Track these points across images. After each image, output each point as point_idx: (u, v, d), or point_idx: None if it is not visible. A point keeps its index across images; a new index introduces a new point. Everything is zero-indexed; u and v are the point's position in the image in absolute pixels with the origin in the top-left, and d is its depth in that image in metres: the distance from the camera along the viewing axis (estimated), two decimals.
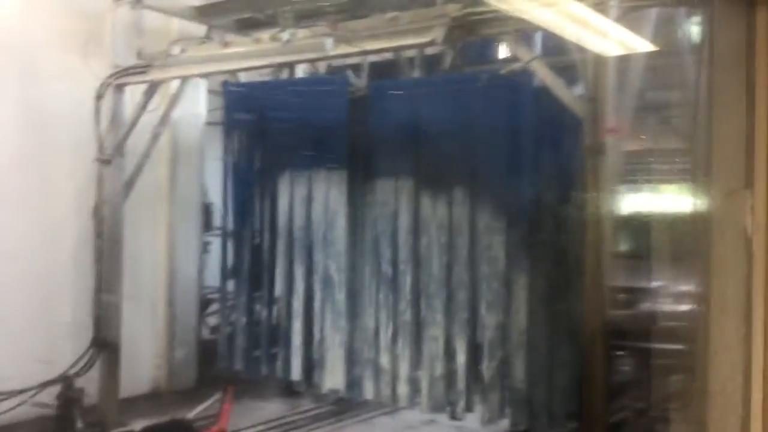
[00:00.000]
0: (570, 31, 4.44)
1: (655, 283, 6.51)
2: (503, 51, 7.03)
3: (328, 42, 5.28)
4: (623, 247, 5.21)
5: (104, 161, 7.24)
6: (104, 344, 7.37)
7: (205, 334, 9.27)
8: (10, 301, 6.93)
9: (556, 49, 6.31)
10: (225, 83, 7.57)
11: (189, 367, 8.72)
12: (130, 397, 7.83)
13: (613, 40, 4.57)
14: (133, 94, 7.31)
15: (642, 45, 4.71)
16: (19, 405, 6.68)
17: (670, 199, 7.02)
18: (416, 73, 7.00)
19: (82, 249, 7.41)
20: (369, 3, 5.97)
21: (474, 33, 5.23)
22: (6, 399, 6.62)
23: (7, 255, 6.90)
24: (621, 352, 5.66)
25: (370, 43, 5.41)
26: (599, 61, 4.84)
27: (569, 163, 5.71)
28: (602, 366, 5.08)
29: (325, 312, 6.97)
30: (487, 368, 6.20)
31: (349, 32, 5.42)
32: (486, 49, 7.16)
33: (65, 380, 7.11)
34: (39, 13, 7.14)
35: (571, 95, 5.14)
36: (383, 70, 7.31)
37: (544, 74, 5.20)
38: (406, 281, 6.53)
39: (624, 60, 5.00)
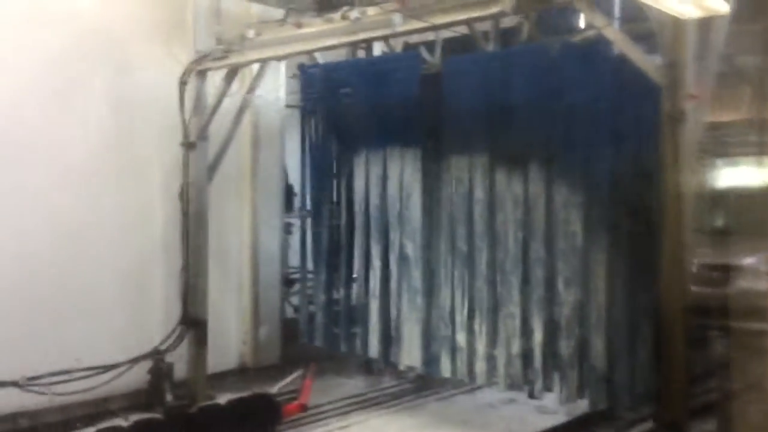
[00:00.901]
0: None
1: (739, 260, 6.22)
2: (582, 20, 6.80)
3: (397, 18, 5.27)
4: (707, 221, 4.97)
5: (189, 145, 7.48)
6: (192, 321, 7.64)
7: (289, 312, 9.53)
8: (104, 279, 7.30)
9: (632, 15, 6.13)
10: (301, 65, 7.68)
11: (273, 344, 8.96)
12: (218, 373, 8.12)
13: (691, 1, 4.36)
14: (215, 79, 7.52)
15: (722, 6, 4.47)
16: (113, 379, 7.04)
17: (755, 173, 6.66)
18: (491, 47, 6.89)
19: (171, 230, 7.71)
20: None
21: (545, 1, 5.09)
22: (101, 373, 6.98)
23: (100, 236, 7.27)
24: (703, 333, 5.42)
25: (439, 17, 5.35)
26: (677, 24, 4.63)
27: (649, 133, 5.49)
28: (682, 346, 4.88)
29: (401, 290, 7.00)
30: (565, 347, 6.07)
31: (417, 7, 5.38)
32: (565, 18, 6.93)
33: (156, 355, 7.46)
34: (122, 2, 7.44)
35: (648, 61, 4.93)
36: (458, 46, 7.23)
37: (620, 41, 5.02)
38: (482, 258, 6.46)
39: (705, 23, 4.75)
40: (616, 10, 5.83)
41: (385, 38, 6.45)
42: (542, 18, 6.85)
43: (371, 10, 5.66)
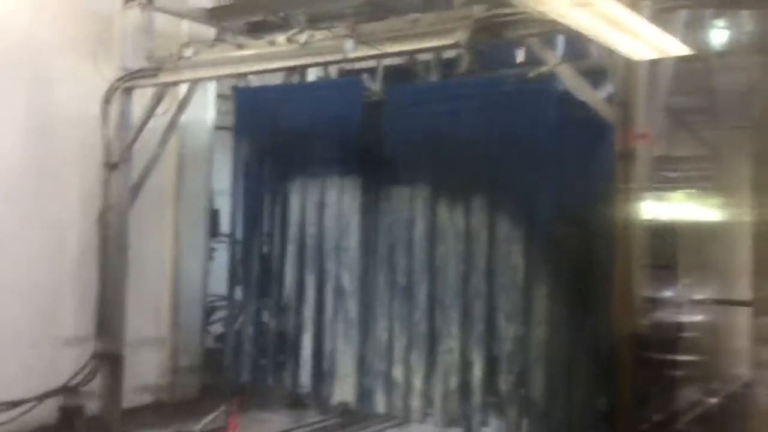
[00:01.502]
0: (601, 34, 4.28)
1: (679, 293, 6.39)
2: (521, 55, 6.86)
3: (349, 44, 5.12)
4: (653, 255, 5.05)
5: (111, 165, 7.07)
6: (107, 355, 7.19)
7: (209, 342, 9.12)
8: (12, 309, 6.76)
9: (576, 52, 6.21)
10: (235, 87, 7.42)
11: (193, 377, 8.54)
12: (133, 407, 7.65)
13: (645, 42, 4.41)
14: (142, 97, 7.15)
15: (674, 48, 4.55)
16: (20, 416, 6.50)
17: (694, 207, 6.90)
18: (432, 77, 6.84)
19: (87, 256, 7.24)
20: (387, 5, 5.83)
21: (499, 35, 5.07)
22: (7, 410, 6.44)
23: (12, 260, 6.73)
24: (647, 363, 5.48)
25: (392, 45, 5.25)
26: (629, 64, 4.69)
27: (594, 169, 5.55)
28: (630, 377, 4.91)
29: (336, 322, 6.78)
30: (504, 382, 6.00)
31: (368, 34, 5.26)
32: (502, 52, 6.98)
33: (67, 391, 6.95)
34: (47, 15, 7.02)
35: (600, 100, 4.98)
36: (397, 74, 7.14)
37: (571, 78, 5.05)
38: (421, 291, 6.34)
39: (654, 64, 4.84)
40: (560, 47, 5.86)
41: (335, 63, 6.28)
42: (481, 51, 6.86)
43: (319, 35, 5.50)
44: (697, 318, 7.13)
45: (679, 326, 6.64)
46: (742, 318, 7.52)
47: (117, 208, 7.19)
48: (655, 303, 6.28)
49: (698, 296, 7.10)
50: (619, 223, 4.79)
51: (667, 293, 6.90)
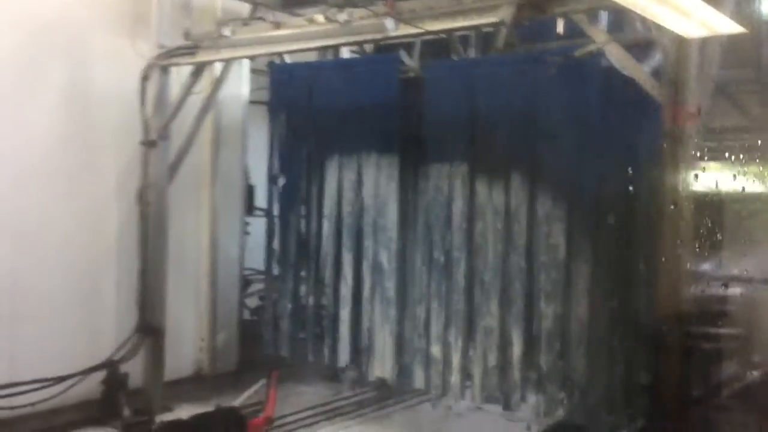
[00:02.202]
0: (651, 11, 4.16)
1: (724, 267, 6.31)
2: (560, 27, 6.72)
3: (390, 23, 5.04)
4: (695, 229, 4.95)
5: (149, 143, 7.10)
6: (149, 329, 7.30)
7: (245, 315, 9.22)
8: (56, 285, 6.87)
9: (618, 24, 6.07)
10: (271, 63, 7.37)
11: (231, 350, 8.64)
12: (173, 380, 7.79)
13: (695, 20, 4.29)
14: (179, 75, 7.15)
15: (725, 26, 4.41)
16: (64, 391, 6.64)
17: (740, 178, 6.77)
18: (471, 52, 6.73)
19: (126, 232, 7.31)
20: None
21: (544, 11, 4.96)
22: (51, 385, 6.57)
23: (52, 238, 6.82)
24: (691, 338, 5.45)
25: (433, 23, 5.16)
26: (680, 42, 4.56)
27: (639, 147, 5.46)
28: (675, 352, 4.87)
29: (374, 300, 6.80)
30: (543, 359, 6.00)
31: (409, 12, 5.17)
32: (541, 25, 6.84)
33: (110, 365, 7.07)
34: None
35: (649, 77, 4.86)
36: (435, 49, 7.05)
37: (620, 57, 4.93)
38: (460, 269, 6.32)
39: (703, 40, 4.71)
40: (603, 21, 5.72)
41: (375, 42, 6.21)
42: (520, 25, 6.73)
43: (358, 13, 5.42)
44: (741, 292, 7.03)
45: (723, 301, 6.56)
46: None
47: (155, 185, 7.25)
48: (699, 277, 6.21)
49: (742, 271, 6.99)
50: (666, 200, 4.70)
51: (712, 268, 6.81)
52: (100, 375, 7.04)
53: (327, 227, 7.09)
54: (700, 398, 5.92)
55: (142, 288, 7.30)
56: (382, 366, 6.79)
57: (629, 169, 5.57)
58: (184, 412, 6.95)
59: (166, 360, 7.49)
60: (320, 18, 5.61)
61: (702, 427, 5.57)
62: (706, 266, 6.48)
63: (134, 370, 7.27)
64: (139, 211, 7.24)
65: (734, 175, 6.63)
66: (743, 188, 7.14)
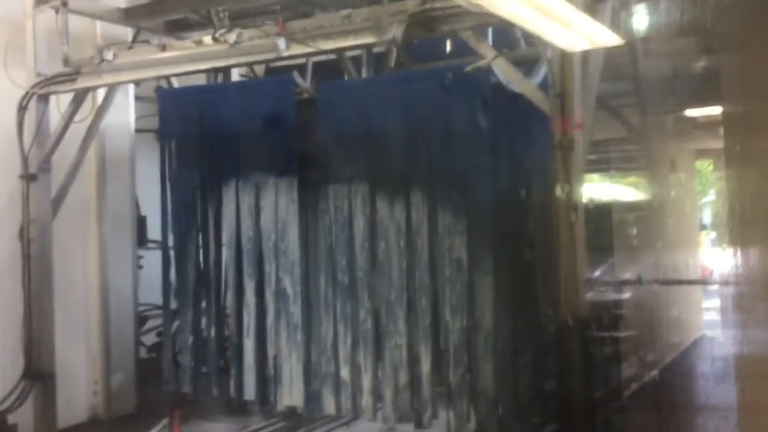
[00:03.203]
0: (535, 25, 4.30)
1: (614, 272, 6.57)
2: (449, 45, 6.88)
3: (282, 42, 4.98)
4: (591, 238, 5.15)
5: (30, 177, 6.70)
6: (37, 375, 6.85)
7: (142, 353, 8.81)
8: None
9: (504, 41, 6.26)
10: (159, 89, 7.13)
11: (128, 391, 8.23)
12: (67, 428, 7.34)
13: (578, 32, 4.46)
14: (59, 104, 6.80)
15: (606, 38, 4.63)
16: None
17: (624, 187, 7.11)
18: (364, 73, 6.76)
19: (8, 273, 6.86)
20: (314, 1, 5.71)
21: (433, 30, 5.04)
22: None
23: None
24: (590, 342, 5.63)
25: (325, 42, 5.13)
26: (564, 55, 4.74)
27: (529, 158, 5.61)
28: (577, 357, 5.01)
29: (279, 326, 6.64)
30: (452, 373, 6.03)
31: (300, 32, 5.13)
32: (431, 44, 6.96)
33: None
34: None
35: (536, 90, 5.02)
36: (327, 70, 7.04)
37: (507, 70, 5.06)
38: (365, 289, 6.28)
39: (586, 53, 4.91)
40: (489, 37, 5.89)
41: (267, 62, 6.11)
42: (410, 44, 6.83)
43: (248, 33, 5.32)
44: (632, 295, 7.35)
45: (617, 304, 6.82)
46: (671, 293, 7.82)
47: (38, 221, 6.84)
48: (593, 283, 6.44)
49: (632, 274, 7.32)
50: (560, 208, 4.85)
51: (603, 273, 7.09)
52: None
53: (226, 255, 6.88)
54: (602, 400, 6.12)
55: (28, 332, 6.84)
56: (290, 394, 6.63)
57: (523, 179, 5.71)
58: None
59: (58, 407, 7.04)
60: (208, 40, 5.47)
61: (606, 428, 5.74)
62: (600, 272, 6.74)
63: (24, 420, 6.80)
64: (22, 249, 6.80)
65: (616, 183, 6.95)
66: (626, 196, 7.51)
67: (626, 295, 6.92)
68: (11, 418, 6.68)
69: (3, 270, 6.92)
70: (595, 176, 7.03)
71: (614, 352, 6.24)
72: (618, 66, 6.23)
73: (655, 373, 7.05)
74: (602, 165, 7.19)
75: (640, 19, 6.36)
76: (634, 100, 7.01)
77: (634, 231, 7.27)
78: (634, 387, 6.77)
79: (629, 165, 7.83)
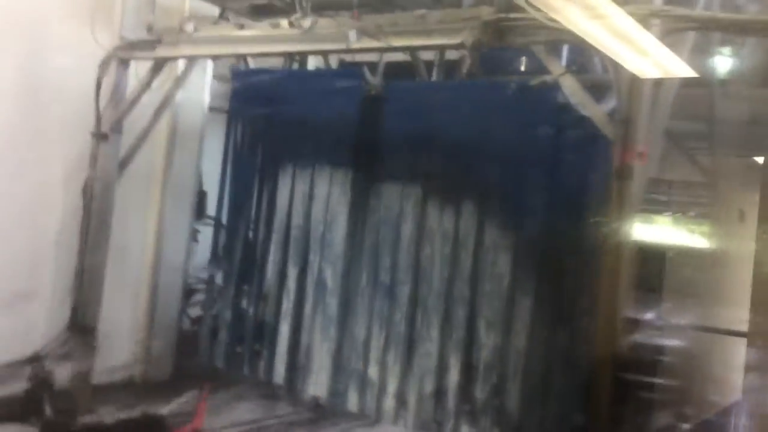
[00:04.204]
0: (610, 47, 4.20)
1: (662, 316, 6.35)
2: (524, 63, 6.79)
3: (352, 33, 5.02)
4: (636, 276, 4.98)
5: (101, 136, 6.93)
6: (81, 328, 7.06)
7: (186, 325, 9.00)
8: None
9: (579, 64, 6.14)
10: (234, 68, 7.29)
11: (166, 359, 8.39)
12: (104, 384, 7.51)
13: (652, 60, 4.34)
14: (138, 70, 7.02)
15: (680, 69, 4.48)
16: None
17: (683, 233, 6.87)
18: (434, 77, 6.75)
19: (69, 226, 7.10)
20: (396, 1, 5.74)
21: (504, 40, 4.98)
22: None
23: None
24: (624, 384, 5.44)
25: (396, 39, 5.15)
26: (635, 81, 4.61)
27: (587, 184, 5.48)
28: (607, 396, 4.85)
29: (315, 316, 6.70)
30: (480, 390, 5.94)
31: (373, 26, 5.16)
32: (506, 59, 6.89)
33: (36, 360, 6.82)
34: None
35: (602, 115, 4.90)
36: (398, 72, 7.05)
37: (573, 90, 4.97)
38: (404, 292, 6.26)
39: (658, 84, 4.77)
40: (564, 57, 5.79)
41: (337, 52, 6.18)
42: (484, 55, 6.78)
43: (323, 22, 5.39)
44: (678, 343, 7.09)
45: (659, 349, 6.59)
46: (722, 346, 7.50)
47: (103, 179, 7.06)
48: (637, 324, 6.24)
49: (681, 321, 7.05)
50: (609, 240, 4.71)
51: (650, 316, 6.86)
52: (28, 370, 6.77)
53: (274, 239, 6.98)
54: None
55: (78, 286, 7.07)
56: (316, 384, 6.69)
57: (578, 205, 5.58)
58: (109, 416, 6.71)
59: (97, 363, 7.22)
60: (284, 24, 5.56)
61: None
62: (645, 313, 6.52)
63: (63, 371, 7.02)
64: (83, 204, 7.04)
65: (679, 227, 6.72)
66: (688, 240, 7.24)
67: (671, 341, 6.68)
68: (50, 365, 6.89)
69: (64, 223, 7.16)
70: (656, 215, 6.81)
71: (648, 398, 6.02)
72: (693, 105, 6.03)
73: (687, 427, 6.77)
74: (666, 205, 6.96)
75: (722, 61, 6.14)
76: (706, 142, 6.78)
77: (691, 277, 7.00)
78: None
79: (695, 209, 7.55)
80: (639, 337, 6.23)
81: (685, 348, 7.24)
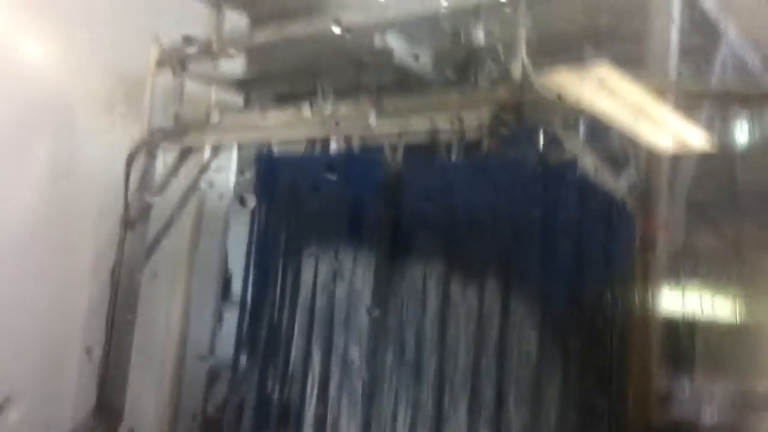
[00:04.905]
0: (626, 122, 4.29)
1: (696, 392, 6.18)
2: (541, 137, 6.89)
3: (372, 116, 5.17)
4: (667, 350, 4.91)
5: (129, 223, 7.10)
6: (107, 411, 7.06)
7: (211, 409, 8.91)
8: (17, 361, 6.66)
9: (596, 137, 6.22)
10: (259, 154, 7.47)
11: None
12: None
13: (670, 134, 4.41)
14: (164, 157, 7.24)
15: (699, 142, 4.54)
16: None
17: (712, 303, 6.75)
18: (453, 157, 6.85)
19: (97, 313, 7.19)
20: (411, 81, 5.91)
21: (522, 118, 5.09)
22: None
23: (18, 315, 6.67)
24: None
25: (415, 121, 5.29)
26: (653, 154, 4.67)
27: (611, 259, 5.46)
28: None
29: (341, 397, 6.61)
30: None
31: (393, 108, 5.31)
32: (524, 134, 7.00)
33: None
34: (79, 72, 7.16)
35: (622, 188, 4.94)
36: (417, 150, 7.18)
37: (594, 165, 5.03)
38: (431, 371, 6.18)
39: (678, 157, 4.82)
40: (581, 131, 5.87)
41: (358, 135, 6.34)
42: (503, 133, 6.90)
43: (343, 107, 5.56)
44: (713, 418, 6.88)
45: (695, 426, 6.40)
46: (760, 422, 7.25)
47: (130, 265, 7.19)
48: (671, 400, 6.09)
49: (715, 396, 6.86)
50: (636, 315, 4.68)
51: (684, 391, 6.69)
52: None
53: (299, 321, 6.97)
54: None
55: (104, 370, 7.10)
56: None
57: (602, 279, 5.56)
58: None
59: None
60: (306, 110, 5.74)
61: None
62: (678, 389, 6.37)
63: None
64: (111, 290, 7.14)
65: (708, 299, 6.62)
66: (718, 313, 7.11)
67: (706, 417, 6.49)
68: None
69: (92, 310, 7.26)
70: (684, 288, 6.73)
71: None
72: (716, 175, 6.06)
73: None
74: (693, 277, 6.87)
75: (743, 129, 6.19)
76: (731, 213, 6.75)
77: (722, 352, 6.86)
78: None
79: (724, 281, 7.45)
80: (673, 413, 6.07)
81: (721, 424, 7.01)
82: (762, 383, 7.26)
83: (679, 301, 5.89)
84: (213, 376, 8.99)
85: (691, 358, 6.18)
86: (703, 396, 6.47)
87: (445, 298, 6.23)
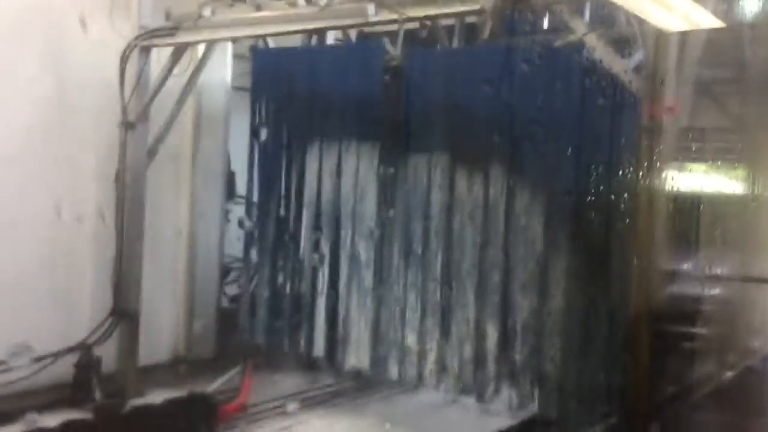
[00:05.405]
0: (633, 3, 4.14)
1: (699, 266, 6.33)
2: (546, 21, 6.68)
3: (371, 8, 5.00)
4: (671, 228, 4.97)
5: (128, 125, 7.01)
6: (123, 312, 7.22)
7: (225, 303, 9.15)
8: (30, 267, 6.77)
9: (603, 19, 6.03)
10: (254, 48, 7.30)
11: (208, 337, 8.56)
12: (148, 366, 7.68)
13: (677, 13, 4.27)
14: (159, 57, 7.06)
15: (706, 20, 4.40)
16: (36, 372, 6.56)
17: (717, 180, 6.79)
18: (454, 43, 6.69)
19: (104, 215, 7.22)
20: None
21: (525, 1, 4.92)
22: (24, 366, 6.50)
23: (29, 222, 6.72)
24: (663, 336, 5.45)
25: (415, 10, 5.11)
26: (660, 35, 4.54)
27: (617, 141, 5.44)
28: (646, 350, 4.88)
29: (350, 289, 6.78)
30: (518, 352, 6.00)
31: None
32: (528, 18, 6.79)
33: (83, 347, 7.00)
34: None
35: (629, 71, 4.84)
36: (418, 39, 6.99)
37: (599, 48, 4.90)
38: (437, 261, 6.31)
39: (684, 35, 4.69)
40: (587, 14, 5.70)
41: (355, 27, 6.16)
42: (506, 16, 6.69)
43: None
44: (716, 292, 7.06)
45: (698, 299, 6.58)
46: (761, 293, 7.45)
47: (134, 168, 7.15)
48: (674, 276, 6.23)
49: (718, 270, 7.02)
50: (642, 195, 4.69)
51: (687, 266, 6.83)
52: (74, 358, 6.97)
53: (306, 215, 7.05)
54: (673, 397, 5.94)
55: (118, 272, 7.21)
56: (357, 356, 6.79)
57: (607, 162, 5.55)
58: (157, 396, 6.89)
59: (141, 345, 7.40)
60: (302, 2, 5.55)
61: (674, 426, 5.57)
62: (681, 265, 6.50)
63: (108, 354, 7.20)
64: (117, 193, 7.15)
65: (714, 175, 6.64)
66: (721, 189, 7.15)
67: (709, 291, 6.66)
68: (97, 352, 7.07)
69: (98, 213, 7.29)
70: (690, 164, 6.74)
71: (689, 348, 6.04)
72: (722, 51, 5.92)
73: (729, 375, 6.78)
74: (699, 153, 6.87)
75: (751, 4, 6.00)
76: (737, 87, 6.65)
77: (727, 226, 6.95)
78: (705, 388, 6.53)
79: (728, 156, 7.45)
80: (676, 288, 6.22)
81: (723, 297, 7.22)
82: (764, 256, 7.40)
83: (683, 178, 5.90)
84: (224, 271, 9.19)
85: (695, 235, 6.27)
86: (708, 269, 6.62)
87: (450, 189, 6.26)
